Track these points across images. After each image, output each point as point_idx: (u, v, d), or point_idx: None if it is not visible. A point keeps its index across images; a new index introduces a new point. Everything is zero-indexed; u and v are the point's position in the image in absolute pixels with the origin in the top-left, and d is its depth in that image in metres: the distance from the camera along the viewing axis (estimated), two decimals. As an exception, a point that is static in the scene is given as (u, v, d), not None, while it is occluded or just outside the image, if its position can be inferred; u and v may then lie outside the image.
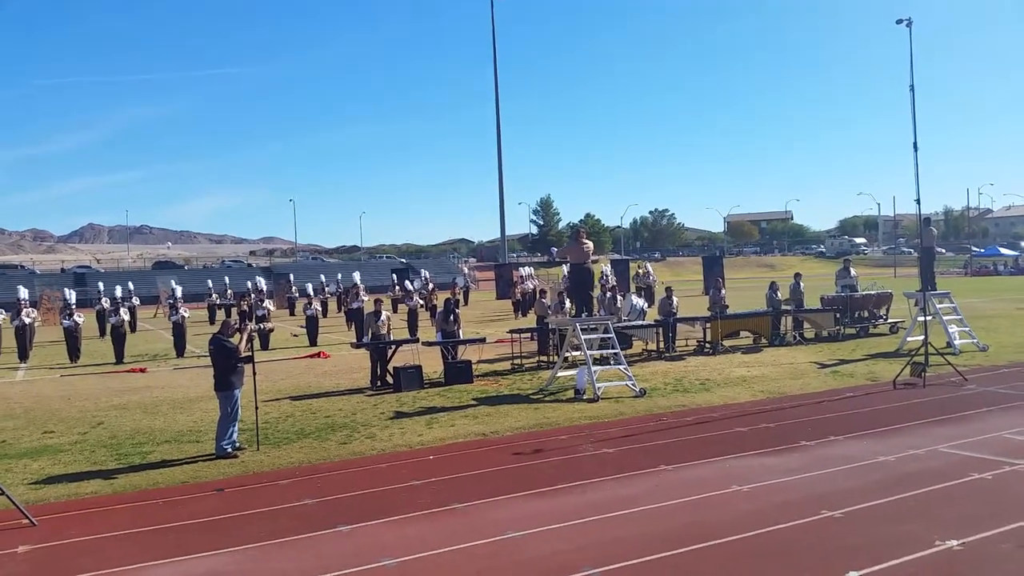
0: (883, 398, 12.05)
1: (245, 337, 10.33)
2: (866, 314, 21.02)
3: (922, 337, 13.95)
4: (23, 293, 23.81)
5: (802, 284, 20.92)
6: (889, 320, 21.00)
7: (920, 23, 15.73)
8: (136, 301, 32.60)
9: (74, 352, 21.17)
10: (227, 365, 9.91)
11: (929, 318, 15.97)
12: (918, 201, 14.40)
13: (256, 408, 10.37)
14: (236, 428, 9.93)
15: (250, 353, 10.31)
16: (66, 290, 26.15)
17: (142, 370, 18.62)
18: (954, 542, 5.85)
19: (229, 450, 9.70)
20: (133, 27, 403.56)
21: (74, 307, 22.43)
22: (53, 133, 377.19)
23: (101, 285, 33.53)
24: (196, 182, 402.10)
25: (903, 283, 32.88)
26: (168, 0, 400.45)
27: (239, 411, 9.98)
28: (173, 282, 27.10)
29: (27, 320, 22.46)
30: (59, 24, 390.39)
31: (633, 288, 34.93)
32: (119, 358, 20.55)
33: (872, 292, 21.42)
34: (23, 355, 21.87)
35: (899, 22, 15.80)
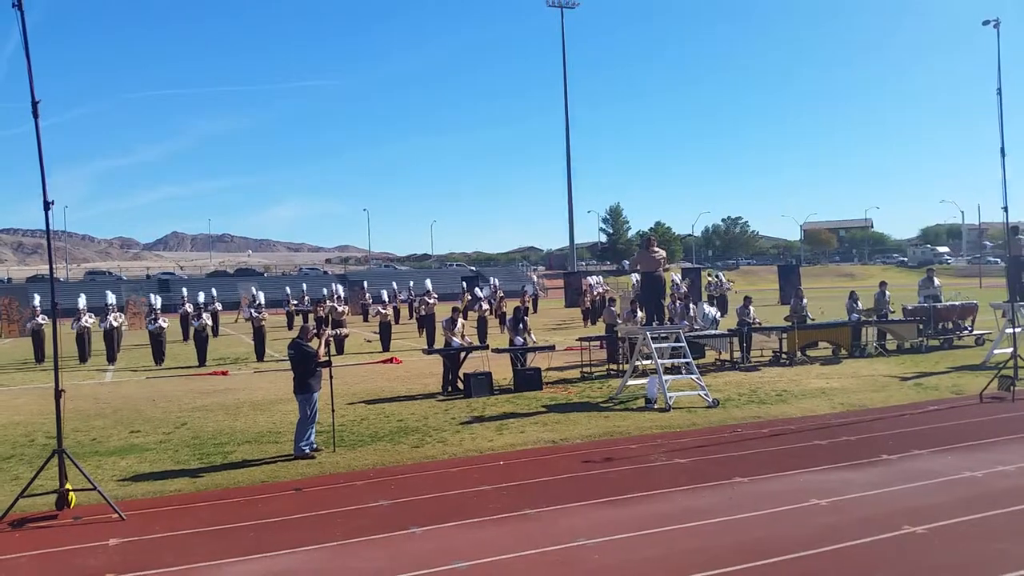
0: (969, 412, 11.59)
1: (323, 342, 10.61)
2: (950, 325, 20.26)
3: (1010, 349, 13.37)
4: (111, 298, 24.88)
5: (888, 293, 20.25)
6: (974, 332, 20.18)
7: (1009, 24, 15.06)
8: (218, 306, 33.68)
9: (159, 355, 21.96)
10: (306, 369, 10.16)
11: (1018, 330, 15.28)
12: (1005, 208, 13.83)
13: (332, 411, 10.59)
14: (314, 430, 10.17)
15: (328, 358, 10.57)
16: (151, 295, 27.17)
17: (224, 373, 19.21)
18: (1048, 563, 5.59)
19: (307, 451, 9.94)
20: (213, 42, 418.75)
21: (159, 312, 23.27)
22: (138, 144, 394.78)
23: (184, 291, 34.73)
24: (275, 192, 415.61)
25: (989, 294, 31.56)
26: (245, 16, 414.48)
27: (317, 413, 10.22)
28: (254, 288, 27.91)
29: (114, 324, 23.45)
30: (142, 40, 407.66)
31: (705, 297, 34.40)
32: (202, 361, 21.25)
33: (956, 303, 20.63)
34: (111, 358, 22.84)
35: (986, 23, 15.21)
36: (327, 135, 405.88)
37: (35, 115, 7.76)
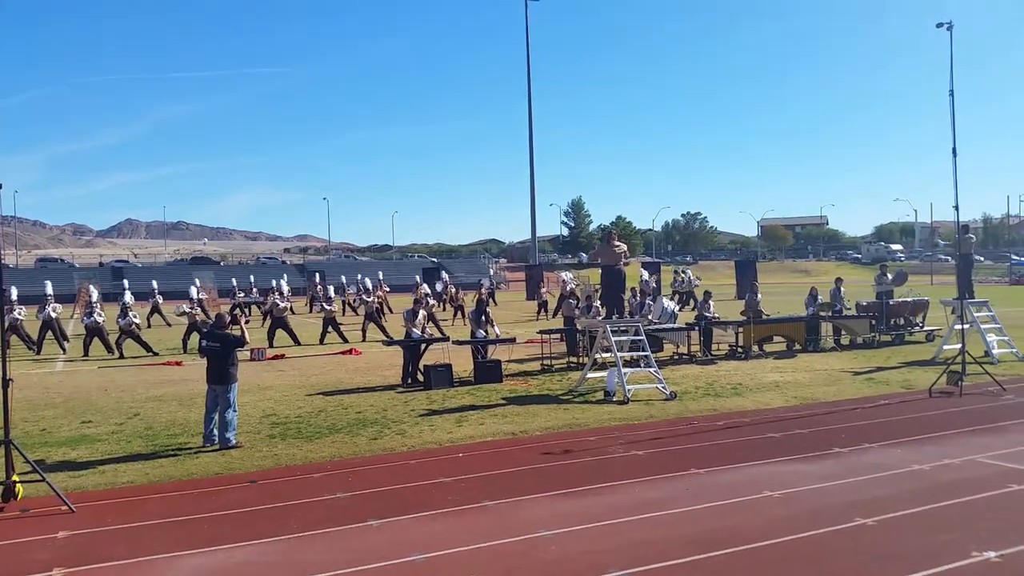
0: (918, 406, 11.88)
1: (243, 324, 10.95)
2: (902, 321, 20.72)
3: (959, 345, 13.71)
4: (49, 288, 24.46)
5: (843, 289, 20.61)
6: (925, 328, 20.67)
7: (961, 27, 15.38)
8: (160, 299, 32.95)
9: (107, 346, 21.40)
10: (231, 357, 10.20)
11: (966, 326, 15.68)
12: (956, 208, 14.15)
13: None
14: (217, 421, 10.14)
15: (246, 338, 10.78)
16: (92, 288, 26.49)
17: (178, 363, 18.88)
18: (992, 553, 5.75)
19: (233, 441, 9.89)
20: (172, 25, 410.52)
21: (96, 305, 22.62)
22: (93, 129, 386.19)
23: (126, 283, 33.92)
24: (232, 179, 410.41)
25: (940, 291, 32.33)
26: (207, 3, 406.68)
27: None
28: (193, 289, 27.36)
29: (53, 315, 22.85)
30: (98, 22, 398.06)
31: (670, 292, 34.80)
32: (148, 350, 20.83)
33: (908, 299, 21.10)
34: (61, 347, 22.35)
35: (939, 26, 15.53)
36: (286, 123, 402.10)
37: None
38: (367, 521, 6.87)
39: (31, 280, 44.74)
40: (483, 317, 15.95)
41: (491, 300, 37.60)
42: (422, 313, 15.92)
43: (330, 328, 23.50)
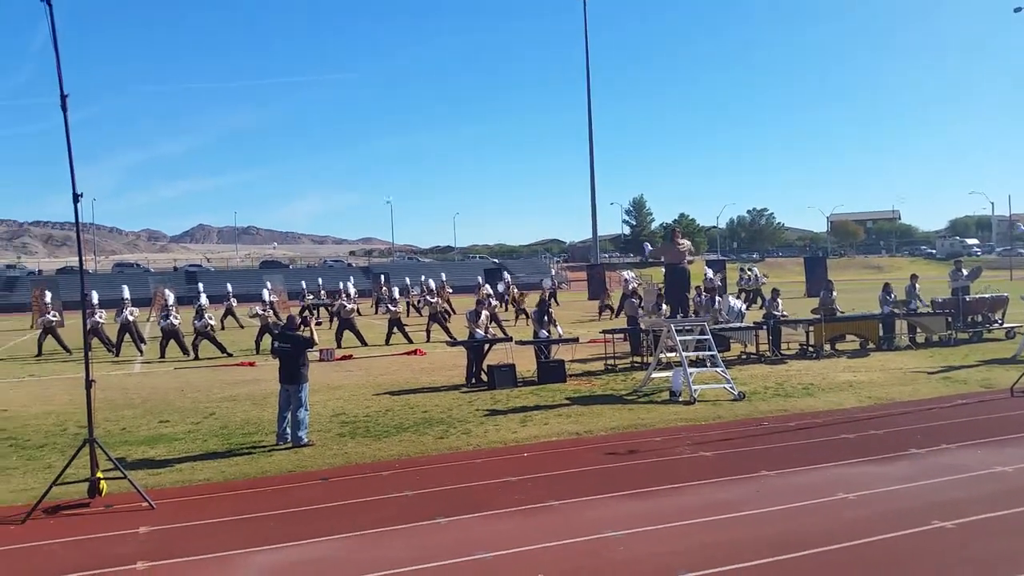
0: (999, 406, 11.43)
1: (312, 328, 11.10)
2: (980, 318, 19.97)
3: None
4: (126, 292, 25.35)
5: (918, 286, 19.97)
6: (1005, 325, 19.88)
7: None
8: (234, 302, 33.80)
9: (183, 348, 22.08)
10: (302, 358, 10.42)
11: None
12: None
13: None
14: (288, 419, 10.35)
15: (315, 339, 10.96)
16: (167, 292, 27.34)
17: (251, 364, 19.37)
18: (1081, 559, 5.50)
19: (305, 440, 10.09)
20: (237, 35, 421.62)
21: (172, 308, 23.32)
22: (163, 137, 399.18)
23: (201, 286, 34.82)
24: (299, 184, 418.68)
25: (1020, 286, 31.07)
26: (270, 11, 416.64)
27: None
28: (265, 292, 27.99)
29: (130, 318, 23.69)
30: (167, 32, 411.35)
31: (736, 290, 34.25)
32: (223, 351, 21.42)
33: (986, 295, 20.33)
34: (139, 350, 23.21)
35: (1017, 11, 14.94)
36: (349, 127, 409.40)
37: (64, 109, 7.83)
38: (435, 519, 6.94)
39: (109, 285, 46.36)
40: (546, 317, 15.95)
41: (553, 300, 37.62)
42: (485, 314, 16.00)
43: (395, 329, 23.82)
